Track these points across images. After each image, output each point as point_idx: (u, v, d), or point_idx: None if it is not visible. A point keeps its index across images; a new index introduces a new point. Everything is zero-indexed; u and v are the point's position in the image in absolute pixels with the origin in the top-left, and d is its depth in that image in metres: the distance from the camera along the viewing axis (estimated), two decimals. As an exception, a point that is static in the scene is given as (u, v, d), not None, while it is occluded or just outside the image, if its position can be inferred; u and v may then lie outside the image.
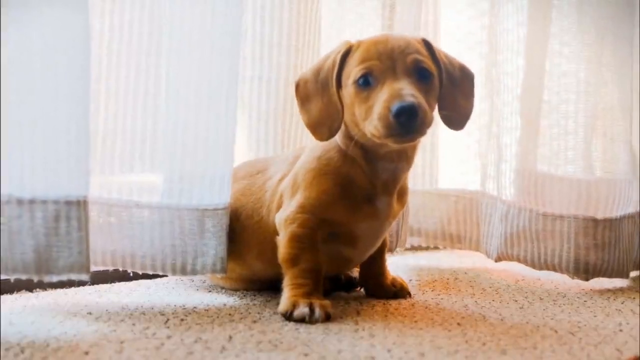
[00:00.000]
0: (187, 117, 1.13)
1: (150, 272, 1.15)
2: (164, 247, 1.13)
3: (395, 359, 0.87)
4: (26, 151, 0.97)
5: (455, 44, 1.60)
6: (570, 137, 1.41)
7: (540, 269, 1.41)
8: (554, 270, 1.39)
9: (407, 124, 0.98)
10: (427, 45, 1.09)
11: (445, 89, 1.09)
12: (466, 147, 1.61)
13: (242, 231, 1.17)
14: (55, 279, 0.98)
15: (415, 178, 1.58)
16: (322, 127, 1.09)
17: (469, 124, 1.55)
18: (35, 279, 0.98)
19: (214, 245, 1.14)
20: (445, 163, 1.63)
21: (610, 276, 1.38)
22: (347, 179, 1.10)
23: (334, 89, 1.08)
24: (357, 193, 1.10)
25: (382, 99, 1.00)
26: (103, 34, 1.13)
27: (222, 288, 1.26)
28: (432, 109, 1.05)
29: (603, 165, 1.44)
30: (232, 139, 1.15)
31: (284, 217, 1.10)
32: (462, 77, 1.12)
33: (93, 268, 1.19)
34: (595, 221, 1.37)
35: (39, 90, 0.97)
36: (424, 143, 1.57)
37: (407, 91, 0.99)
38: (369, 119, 1.02)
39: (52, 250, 0.98)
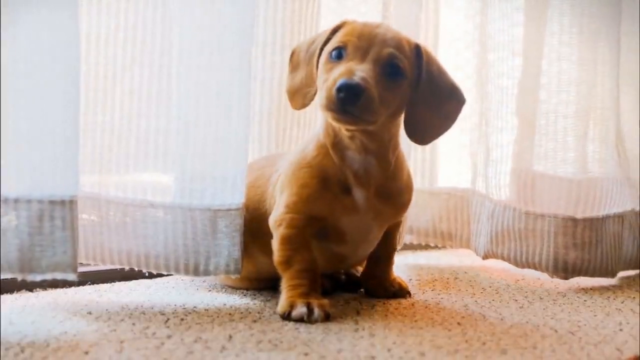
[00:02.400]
0: (199, 116, 1.13)
1: (165, 272, 1.15)
2: (177, 248, 1.13)
3: (395, 359, 0.87)
4: (12, 150, 0.97)
5: (454, 43, 1.60)
6: (561, 136, 1.42)
7: (522, 267, 1.41)
8: (535, 268, 1.40)
9: (346, 102, 0.98)
10: (417, 50, 1.09)
11: (421, 98, 1.08)
12: (463, 146, 1.60)
13: (250, 223, 1.17)
14: (39, 278, 0.98)
15: (422, 177, 1.59)
16: (298, 95, 1.12)
17: (465, 122, 1.57)
18: (19, 277, 0.97)
19: (227, 246, 1.14)
20: (442, 162, 1.64)
21: (592, 275, 1.39)
22: (322, 170, 1.10)
23: (315, 59, 1.09)
24: (333, 184, 1.09)
25: (337, 72, 1.01)
26: (118, 34, 1.13)
27: (224, 287, 1.26)
28: (388, 107, 1.04)
29: (587, 165, 1.44)
30: (244, 139, 1.15)
31: (273, 219, 1.11)
32: (449, 97, 1.11)
33: (108, 266, 1.20)
34: (574, 220, 1.37)
35: (26, 91, 0.97)
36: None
37: (360, 73, 1.00)
38: (322, 89, 1.03)
39: (35, 250, 0.98)
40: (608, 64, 1.44)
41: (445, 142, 1.61)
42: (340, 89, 0.98)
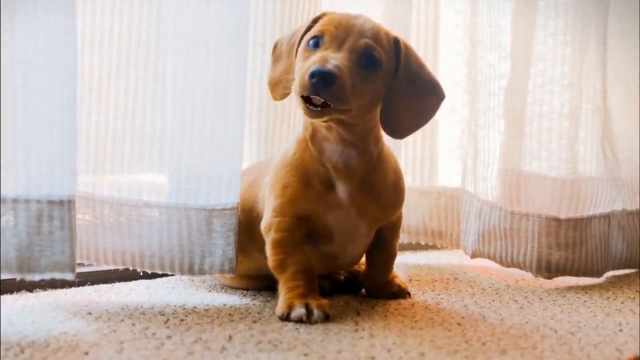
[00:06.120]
0: (194, 116, 1.13)
1: (159, 272, 1.16)
2: (172, 247, 1.14)
3: (395, 359, 0.87)
4: (10, 151, 0.97)
5: (453, 44, 1.60)
6: (546, 137, 1.43)
7: (508, 266, 1.43)
8: (519, 268, 1.41)
9: (319, 88, 0.97)
10: (396, 43, 1.09)
11: (398, 91, 1.07)
12: (456, 146, 1.60)
13: (246, 224, 1.17)
14: (37, 277, 0.98)
15: (413, 176, 1.59)
16: (278, 86, 1.12)
17: (461, 123, 1.57)
18: (18, 277, 0.98)
19: (222, 246, 1.14)
20: (439, 161, 1.64)
21: (577, 275, 1.40)
22: (303, 167, 1.10)
23: (295, 50, 1.09)
24: (315, 181, 1.09)
25: (311, 60, 1.01)
26: (112, 34, 1.13)
27: (224, 287, 1.26)
28: (361, 97, 1.03)
29: (574, 166, 1.45)
30: (240, 139, 1.15)
31: (264, 224, 1.11)
32: (427, 92, 1.11)
33: (108, 267, 1.21)
34: (558, 220, 1.39)
35: (24, 91, 0.97)
36: (420, 140, 1.57)
37: (334, 61, 1.00)
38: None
39: (33, 249, 0.98)
40: (595, 64, 1.45)
41: (442, 142, 1.61)
42: (312, 75, 0.97)
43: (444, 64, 1.59)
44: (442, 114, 1.59)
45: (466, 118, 1.54)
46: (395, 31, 1.15)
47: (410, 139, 1.55)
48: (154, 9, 1.14)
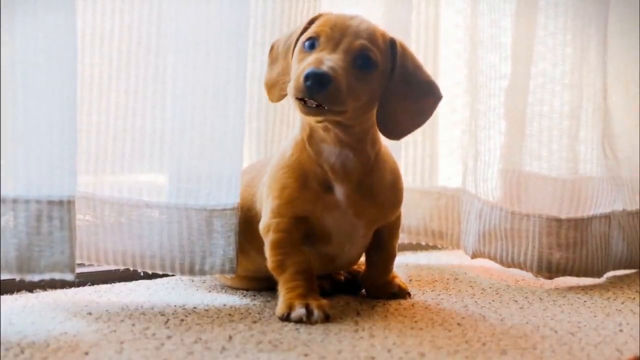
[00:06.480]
0: (194, 116, 1.13)
1: (160, 272, 1.16)
2: (172, 247, 1.14)
3: (395, 359, 0.87)
4: (11, 151, 0.97)
5: (454, 44, 1.60)
6: (546, 137, 1.44)
7: (508, 266, 1.43)
8: (520, 268, 1.42)
9: (313, 90, 0.97)
10: (392, 44, 1.08)
11: (394, 92, 1.07)
12: (458, 146, 1.60)
13: (244, 224, 1.17)
14: (37, 278, 0.98)
15: (414, 176, 1.59)
16: (275, 87, 1.12)
17: (461, 123, 1.57)
18: (18, 277, 0.98)
19: (222, 246, 1.14)
20: (439, 161, 1.64)
21: (577, 275, 1.41)
22: (300, 168, 1.10)
23: (291, 51, 1.09)
24: (313, 182, 1.09)
25: (307, 62, 1.01)
26: (113, 34, 1.13)
27: (224, 287, 1.26)
28: (357, 98, 1.02)
29: (574, 166, 1.45)
30: (240, 139, 1.15)
31: (262, 225, 1.11)
32: (424, 93, 1.11)
33: (108, 267, 1.21)
34: (558, 221, 1.39)
35: (24, 91, 0.97)
36: (420, 140, 1.58)
37: (329, 63, 0.99)
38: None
39: (33, 250, 0.98)
40: (595, 63, 1.45)
41: (443, 142, 1.61)
42: (307, 77, 0.97)
43: (444, 64, 1.59)
44: (443, 114, 1.60)
45: (467, 118, 1.54)
46: (395, 31, 1.15)
47: (410, 139, 1.56)
48: (154, 9, 1.14)
